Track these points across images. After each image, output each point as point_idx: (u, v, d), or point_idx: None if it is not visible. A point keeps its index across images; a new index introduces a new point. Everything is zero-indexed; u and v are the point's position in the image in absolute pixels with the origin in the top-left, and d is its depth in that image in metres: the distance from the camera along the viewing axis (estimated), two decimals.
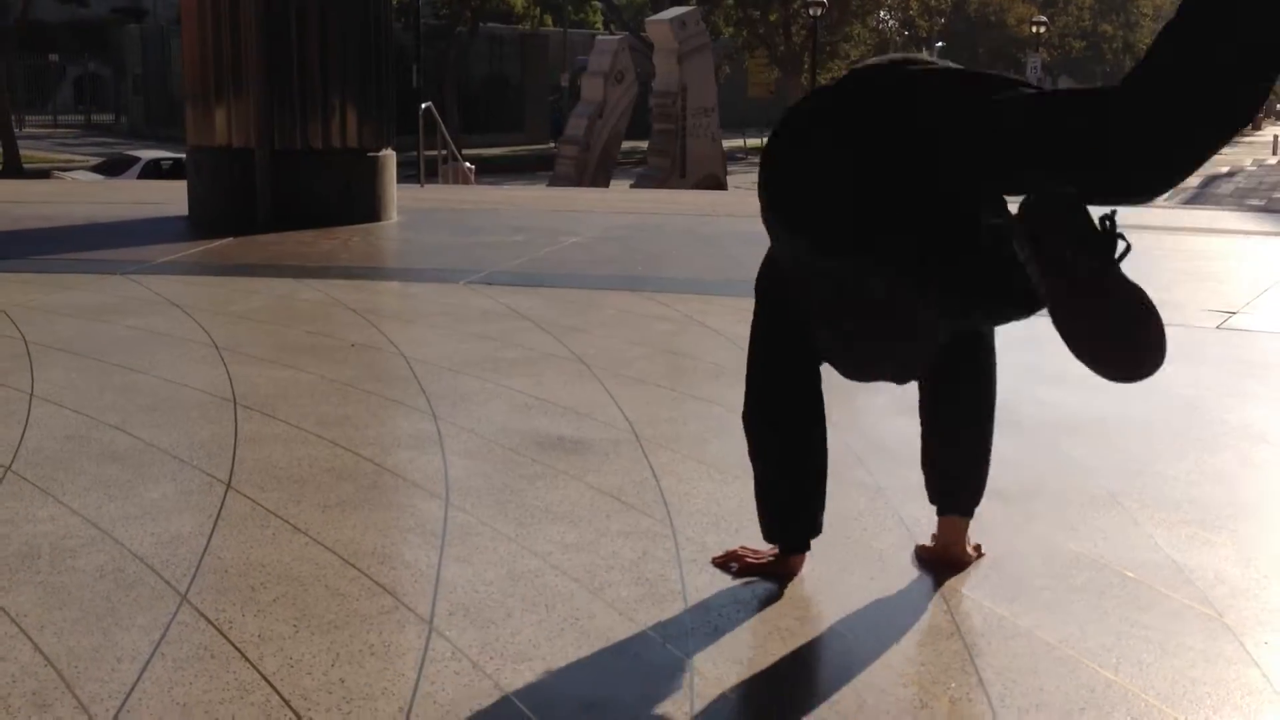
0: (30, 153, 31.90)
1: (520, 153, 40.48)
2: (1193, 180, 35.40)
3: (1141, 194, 2.11)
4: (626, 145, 30.89)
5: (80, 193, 12.56)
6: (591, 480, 3.31)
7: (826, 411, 2.63)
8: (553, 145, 35.38)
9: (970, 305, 2.34)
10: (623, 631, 2.42)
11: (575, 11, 51.77)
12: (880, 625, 2.49)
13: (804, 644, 2.42)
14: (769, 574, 2.68)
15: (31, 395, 4.04)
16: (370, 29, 8.69)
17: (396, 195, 9.09)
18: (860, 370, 2.61)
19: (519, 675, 2.24)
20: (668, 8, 30.61)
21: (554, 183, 26.24)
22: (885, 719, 2.14)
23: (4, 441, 3.56)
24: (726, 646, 2.38)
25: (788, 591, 2.63)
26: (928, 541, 2.85)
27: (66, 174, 23.20)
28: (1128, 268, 2.06)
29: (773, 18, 41.54)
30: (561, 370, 4.53)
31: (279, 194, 8.35)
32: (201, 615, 2.46)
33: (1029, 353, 3.85)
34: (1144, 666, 2.33)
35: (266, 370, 4.44)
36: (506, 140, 42.65)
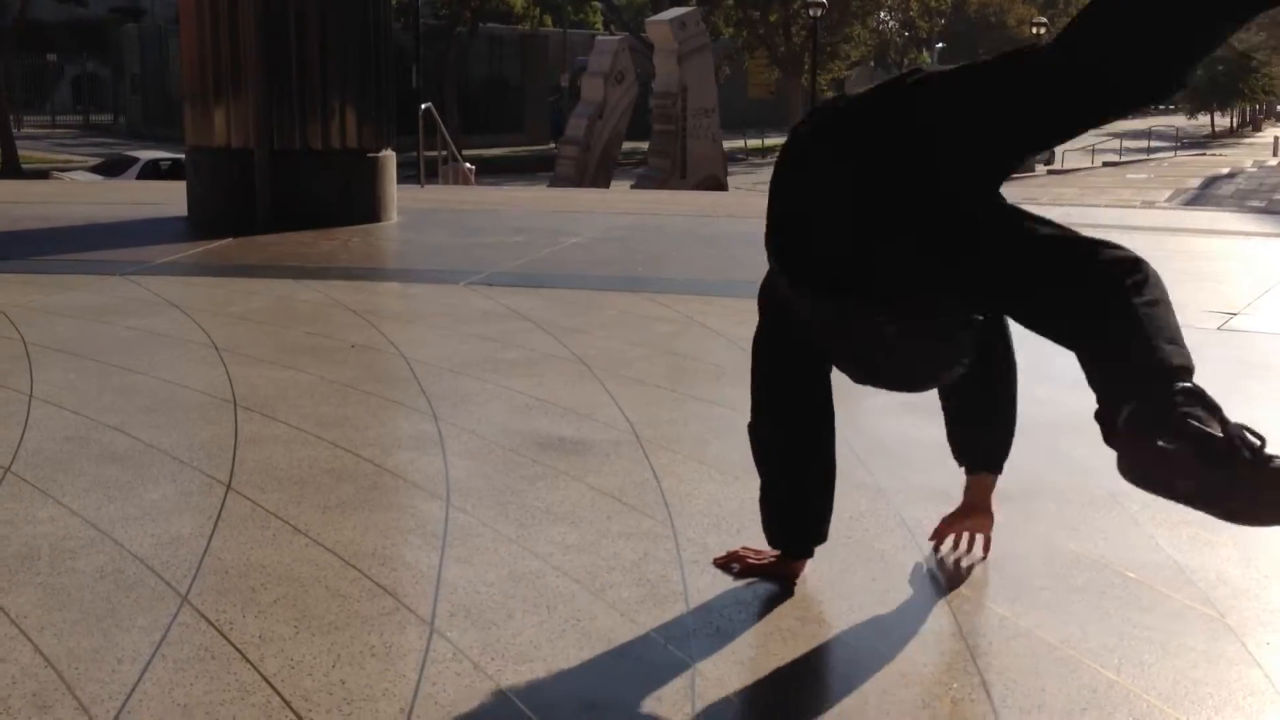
0: (28, 153, 31.91)
1: (520, 153, 40.50)
2: (1193, 181, 35.43)
3: (1145, 91, 2.14)
4: (627, 146, 30.91)
5: (79, 193, 12.55)
6: (592, 481, 3.31)
7: None
8: (553, 146, 35.40)
9: (971, 305, 2.33)
10: (624, 633, 2.42)
11: (575, 12, 51.78)
12: (882, 626, 2.48)
13: (806, 645, 2.41)
14: (771, 575, 2.68)
15: (31, 396, 4.04)
16: (369, 29, 8.69)
17: (396, 196, 9.09)
18: (870, 380, 2.58)
19: (520, 676, 2.24)
20: (668, 8, 30.62)
21: (554, 183, 26.26)
22: None
23: (3, 442, 3.56)
24: (728, 648, 2.38)
25: (788, 593, 2.63)
26: (924, 541, 2.84)
27: (65, 174, 23.21)
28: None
29: (773, 18, 41.55)
30: (562, 371, 4.53)
31: (278, 194, 8.35)
32: (202, 616, 2.46)
33: (1028, 353, 3.83)
34: (1145, 667, 2.33)
35: (266, 371, 4.44)
36: (506, 141, 42.67)
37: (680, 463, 3.48)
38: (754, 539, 2.77)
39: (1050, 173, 38.58)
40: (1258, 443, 1.95)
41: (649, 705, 2.16)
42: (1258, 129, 66.71)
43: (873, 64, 55.24)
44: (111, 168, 23.02)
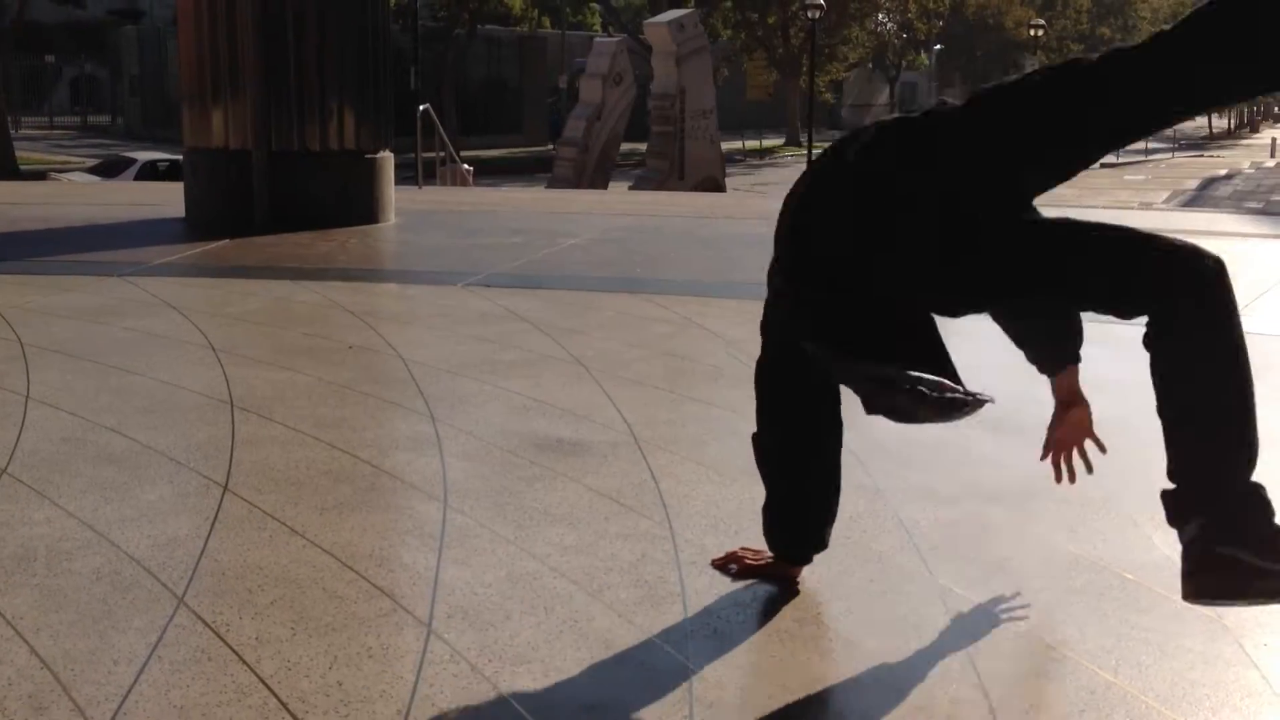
0: (26, 154, 31.88)
1: (518, 154, 40.51)
2: (1191, 183, 35.47)
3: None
4: (625, 147, 30.91)
5: (76, 194, 12.55)
6: (590, 482, 3.31)
7: None
8: (551, 147, 35.41)
9: (971, 306, 2.33)
10: (622, 634, 2.42)
11: (573, 14, 51.80)
12: (880, 627, 2.48)
13: (804, 647, 2.41)
14: (768, 576, 2.68)
15: (27, 397, 4.04)
16: (368, 31, 8.69)
17: (394, 197, 9.09)
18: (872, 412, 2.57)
19: (518, 678, 2.24)
20: (666, 10, 30.63)
21: (552, 184, 26.26)
22: None
23: (0, 444, 3.55)
24: (726, 649, 2.38)
25: (787, 594, 2.62)
26: (922, 541, 2.84)
27: (63, 175, 23.19)
28: None
29: (771, 20, 41.58)
30: (560, 372, 4.53)
31: (276, 196, 8.35)
32: (199, 618, 2.45)
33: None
34: (1143, 668, 2.33)
35: (264, 372, 4.43)
36: (505, 142, 42.68)
37: (678, 464, 3.47)
38: (752, 540, 2.77)
39: None
40: None
41: (647, 707, 2.16)
42: (1255, 130, 66.77)
43: (870, 66, 55.30)
44: (109, 169, 22.99)
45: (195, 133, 8.66)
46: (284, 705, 2.12)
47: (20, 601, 2.51)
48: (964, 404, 2.17)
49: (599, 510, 3.10)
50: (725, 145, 30.45)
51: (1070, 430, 2.69)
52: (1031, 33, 46.62)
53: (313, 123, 8.50)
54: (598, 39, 32.43)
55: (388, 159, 8.94)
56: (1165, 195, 31.58)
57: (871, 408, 2.25)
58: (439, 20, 42.20)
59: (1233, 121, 65.04)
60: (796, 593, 2.63)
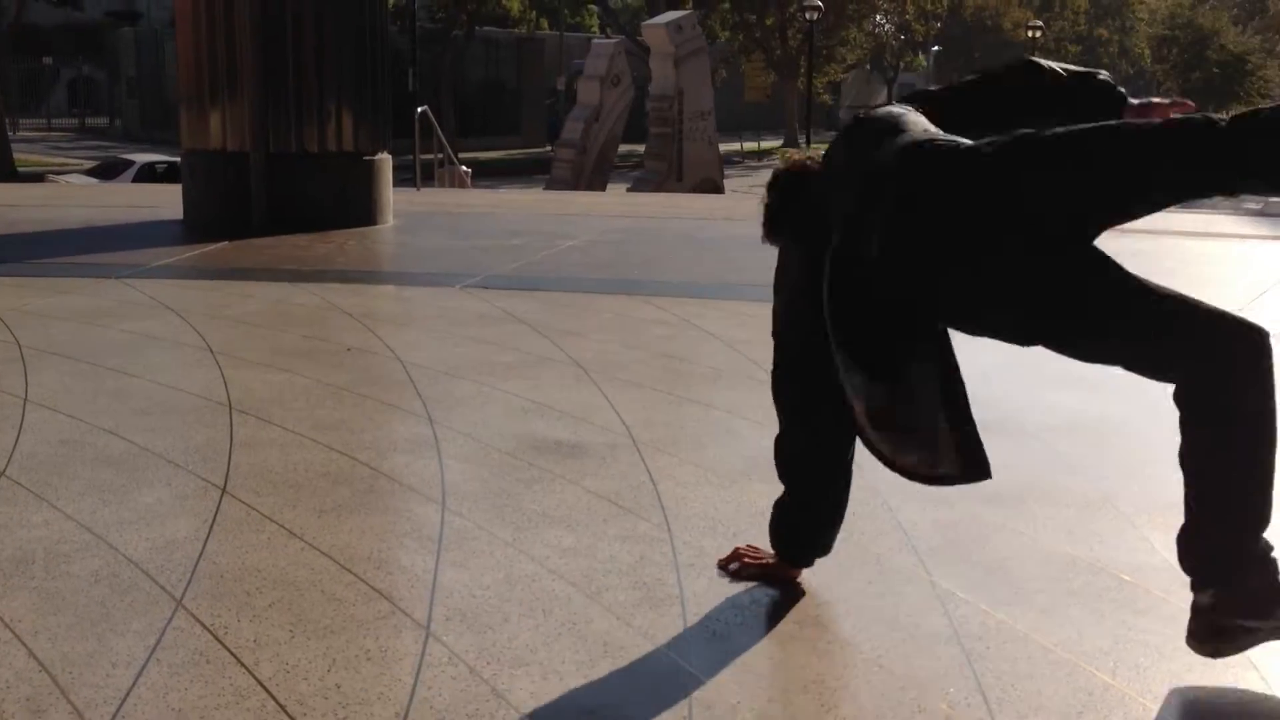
0: (24, 156, 31.85)
1: (516, 156, 40.48)
2: None
3: None
4: (623, 149, 30.89)
5: (75, 196, 12.53)
6: (588, 484, 3.30)
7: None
8: (549, 149, 35.38)
9: (979, 307, 2.34)
10: (620, 636, 2.42)
11: (571, 15, 51.79)
12: (878, 629, 2.48)
13: (802, 649, 2.41)
14: (769, 575, 2.68)
15: (25, 400, 4.03)
16: (366, 33, 8.69)
17: (392, 199, 9.09)
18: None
19: (516, 680, 2.23)
20: (664, 12, 30.63)
21: (550, 186, 26.23)
22: None
23: None
24: (724, 651, 2.38)
25: (785, 596, 2.62)
26: (920, 543, 2.84)
27: (61, 177, 23.15)
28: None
29: (769, 22, 41.59)
30: (558, 374, 4.52)
31: (274, 198, 8.34)
32: (197, 620, 2.45)
33: (1026, 355, 3.84)
34: (1141, 670, 2.33)
35: (262, 374, 4.43)
36: (503, 144, 42.64)
37: (676, 466, 3.47)
38: (750, 541, 2.77)
39: None
40: None
41: (645, 709, 2.16)
42: None
43: (868, 67, 55.31)
44: (107, 171, 22.96)
45: (193, 135, 8.66)
46: (282, 708, 2.12)
47: (18, 604, 2.51)
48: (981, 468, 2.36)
49: (597, 512, 3.10)
50: (723, 147, 30.44)
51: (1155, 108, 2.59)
52: (1029, 34, 46.64)
53: (311, 124, 8.50)
54: (596, 40, 32.41)
55: (386, 161, 8.94)
56: None
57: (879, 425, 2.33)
58: (437, 22, 42.18)
59: None
60: (795, 595, 2.63)
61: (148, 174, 21.62)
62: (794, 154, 2.69)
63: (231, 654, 2.31)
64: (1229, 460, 2.18)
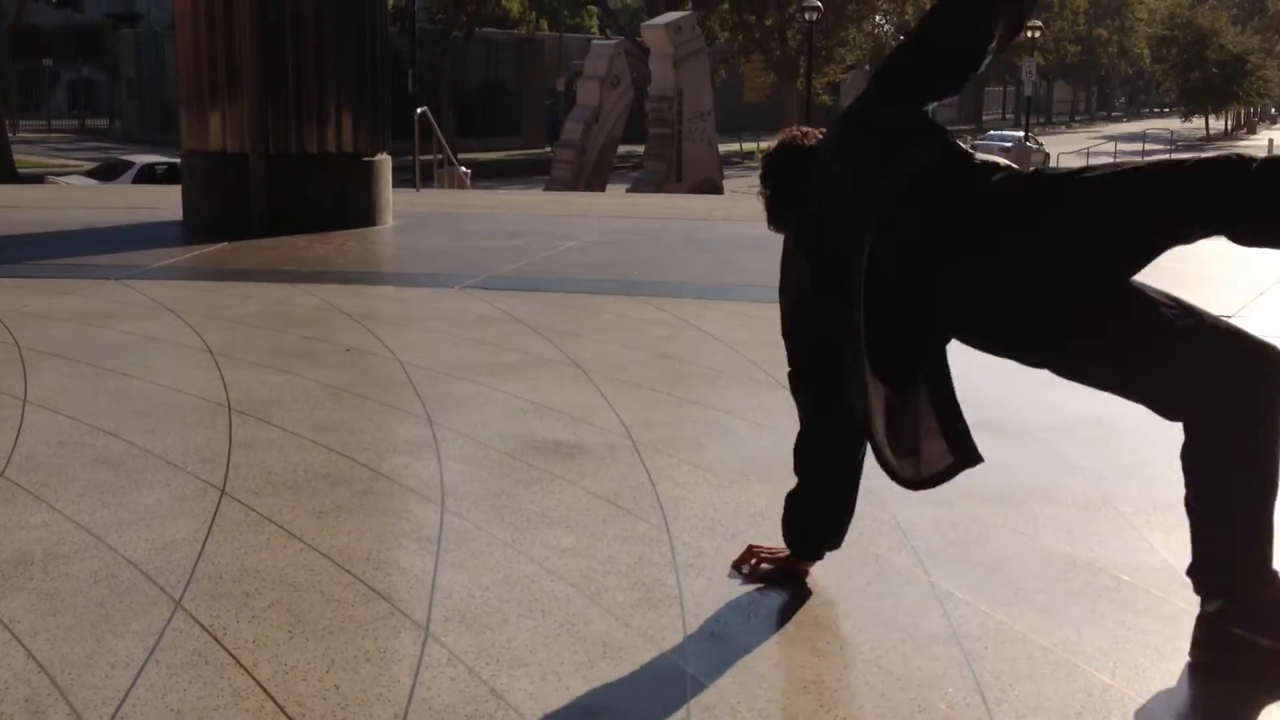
0: (24, 157, 31.86)
1: (516, 157, 40.48)
2: None
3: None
4: (622, 150, 30.89)
5: (74, 197, 12.53)
6: (588, 485, 3.30)
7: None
8: (549, 149, 35.40)
9: (982, 307, 2.35)
10: (619, 636, 2.42)
11: (571, 16, 51.80)
12: (877, 630, 2.48)
13: (801, 649, 2.41)
14: (782, 571, 2.68)
15: (25, 401, 4.03)
16: (365, 34, 8.69)
17: (392, 200, 9.08)
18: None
19: (515, 681, 2.23)
20: (663, 13, 30.63)
21: (550, 187, 26.23)
22: None
23: None
24: (722, 651, 2.38)
25: (784, 596, 2.62)
26: (920, 543, 2.84)
27: (61, 179, 23.16)
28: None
29: (768, 22, 41.56)
30: (557, 375, 4.52)
31: (273, 199, 8.34)
32: (196, 621, 2.45)
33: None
34: (1141, 670, 2.32)
35: (261, 375, 4.43)
36: (502, 145, 42.64)
37: (676, 466, 3.47)
38: (750, 541, 2.78)
39: None
40: None
41: (644, 710, 2.16)
42: (1252, 131, 66.78)
43: (868, 68, 55.31)
44: (107, 172, 22.96)
45: (193, 136, 8.66)
46: (281, 709, 2.12)
47: (17, 605, 2.51)
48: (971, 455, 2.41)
49: (596, 513, 3.10)
50: (723, 147, 30.43)
51: None
52: (1029, 34, 46.65)
53: (310, 125, 8.50)
54: (595, 41, 32.41)
55: (385, 161, 8.94)
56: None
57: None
58: (436, 23, 42.18)
59: (1230, 123, 65.11)
60: (794, 595, 2.63)
61: (147, 175, 21.62)
62: (782, 134, 2.67)
63: (230, 655, 2.31)
64: (1229, 460, 2.20)
